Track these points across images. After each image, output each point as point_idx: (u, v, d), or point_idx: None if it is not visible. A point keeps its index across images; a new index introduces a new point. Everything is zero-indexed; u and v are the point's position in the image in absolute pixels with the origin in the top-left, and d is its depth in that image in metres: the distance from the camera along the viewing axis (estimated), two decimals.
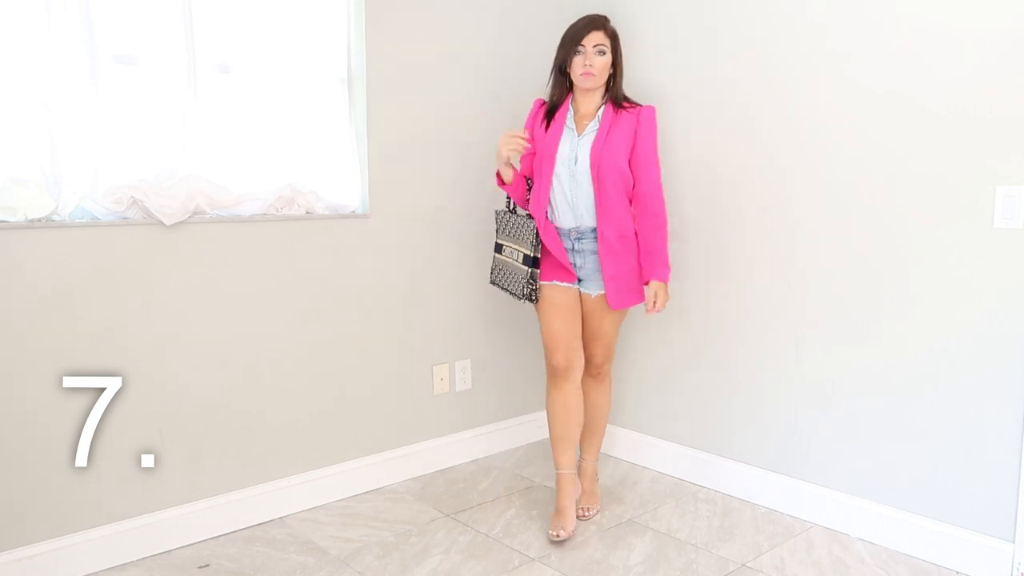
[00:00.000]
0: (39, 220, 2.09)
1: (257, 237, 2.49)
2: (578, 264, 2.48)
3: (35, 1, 2.04)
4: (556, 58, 2.48)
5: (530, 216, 2.47)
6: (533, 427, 3.31)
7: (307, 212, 2.59)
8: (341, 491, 2.74)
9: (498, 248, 2.59)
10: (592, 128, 2.43)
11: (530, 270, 2.46)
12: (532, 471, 3.00)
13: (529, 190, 2.52)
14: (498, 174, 2.47)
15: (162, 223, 2.26)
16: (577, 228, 2.45)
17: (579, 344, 2.51)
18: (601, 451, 3.16)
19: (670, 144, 2.84)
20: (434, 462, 3.00)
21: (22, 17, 2.03)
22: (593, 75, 2.40)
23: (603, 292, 2.46)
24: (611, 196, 2.39)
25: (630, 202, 2.44)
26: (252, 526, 2.53)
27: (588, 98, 2.47)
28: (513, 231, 2.53)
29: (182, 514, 2.39)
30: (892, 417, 2.36)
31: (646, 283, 2.46)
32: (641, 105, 2.46)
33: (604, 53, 2.41)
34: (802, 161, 2.51)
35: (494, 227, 2.60)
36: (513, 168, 2.46)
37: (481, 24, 2.99)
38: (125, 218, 2.23)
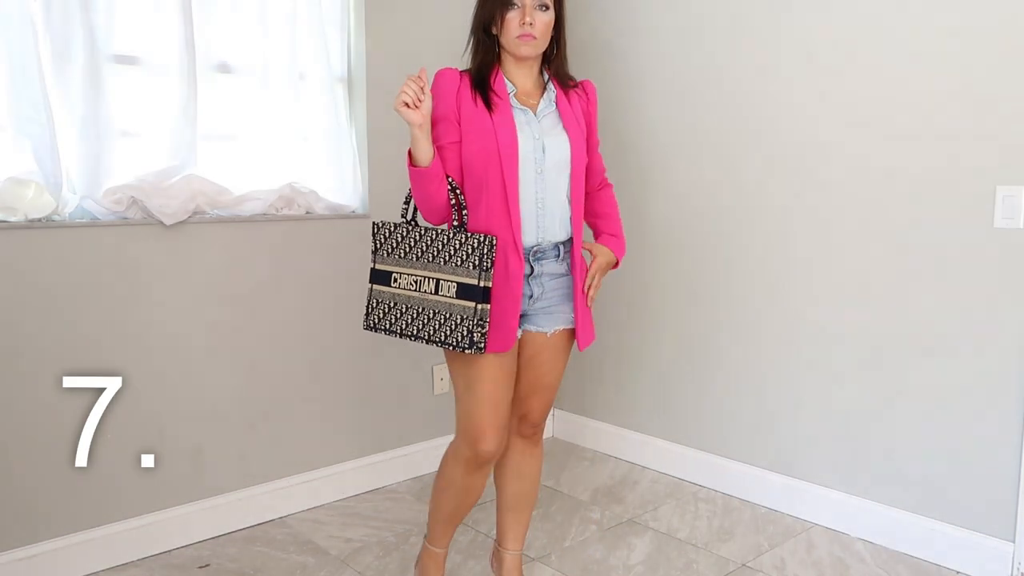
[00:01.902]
0: (39, 220, 2.09)
1: (257, 237, 2.49)
2: (534, 295, 1.82)
3: (35, 1, 2.04)
4: (477, 14, 1.82)
5: (461, 229, 1.75)
6: None
7: (307, 212, 2.59)
8: (341, 491, 2.74)
9: (381, 278, 1.83)
10: (548, 109, 1.83)
11: (479, 306, 1.68)
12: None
13: (454, 193, 1.76)
14: (409, 153, 1.71)
15: (162, 223, 2.26)
16: (538, 245, 1.80)
17: (508, 419, 1.88)
18: (601, 451, 3.18)
19: (672, 142, 2.84)
20: (434, 462, 2.95)
21: (22, 17, 2.02)
22: (534, 37, 1.74)
23: (566, 328, 1.87)
24: (583, 199, 1.89)
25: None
26: (252, 526, 2.53)
27: (525, 70, 1.82)
28: (422, 252, 1.76)
29: (182, 514, 2.39)
30: (892, 417, 2.36)
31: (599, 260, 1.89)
32: (576, 78, 1.92)
33: (547, 8, 1.76)
34: (802, 162, 2.51)
35: (372, 247, 1.87)
36: (434, 146, 1.72)
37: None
38: (125, 218, 2.23)
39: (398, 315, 1.80)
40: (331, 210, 2.65)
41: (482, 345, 1.70)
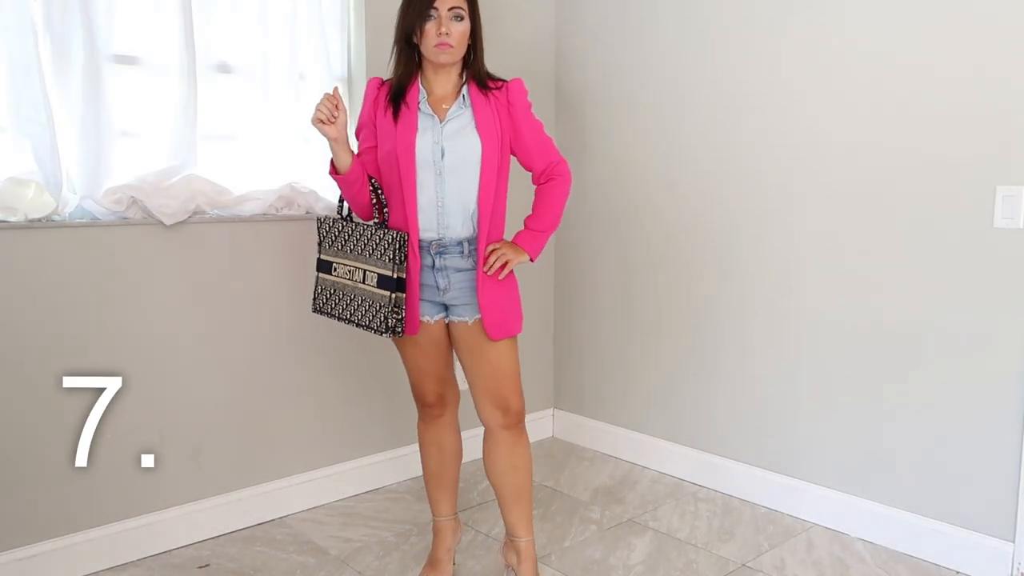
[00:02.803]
0: (39, 220, 2.09)
1: (257, 237, 2.49)
2: (441, 286, 1.98)
3: (35, 1, 2.04)
4: (399, 26, 1.96)
5: (381, 225, 1.97)
6: (533, 427, 3.30)
7: (307, 212, 2.59)
8: (341, 491, 2.74)
9: (324, 267, 2.05)
10: (458, 113, 1.95)
11: (393, 295, 1.90)
12: (532, 471, 3.00)
13: (375, 194, 1.98)
14: (332, 161, 1.94)
15: (162, 223, 2.26)
16: (439, 240, 1.96)
17: (451, 375, 2.14)
18: (601, 451, 3.18)
19: (670, 142, 2.84)
20: None
21: (22, 17, 2.02)
22: (451, 46, 1.90)
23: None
24: (495, 198, 1.97)
25: (503, 208, 2.04)
26: (252, 526, 2.53)
27: (443, 76, 1.97)
28: (352, 245, 1.98)
29: (182, 514, 2.39)
30: (892, 417, 2.36)
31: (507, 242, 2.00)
32: (506, 80, 2.01)
33: (462, 18, 1.91)
34: (802, 162, 2.51)
35: (317, 239, 2.07)
36: (352, 152, 1.93)
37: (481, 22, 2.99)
38: (125, 218, 2.23)
39: (336, 301, 2.04)
40: (331, 210, 2.64)
41: (399, 329, 1.94)
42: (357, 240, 1.97)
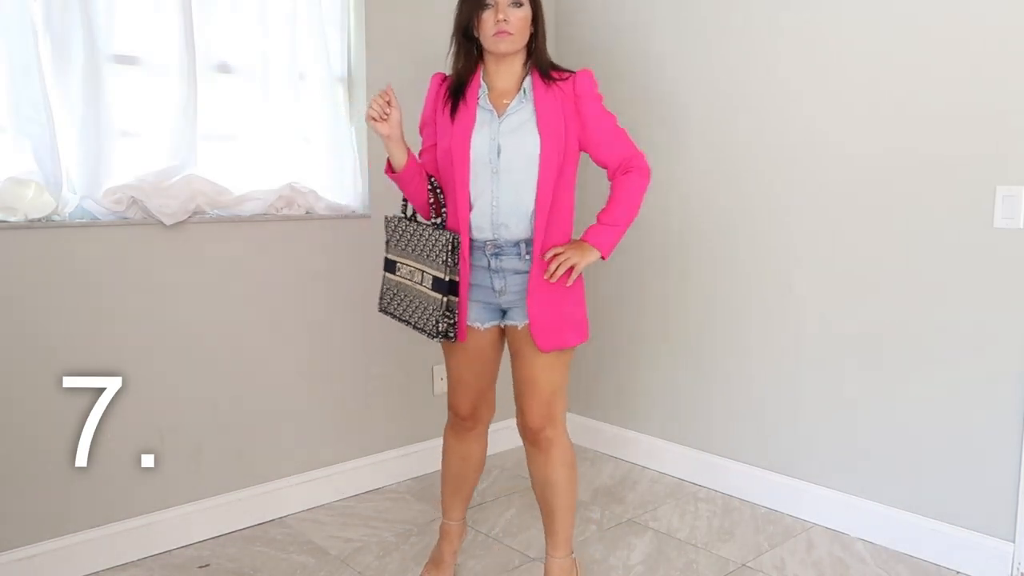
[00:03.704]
0: (39, 220, 2.09)
1: (257, 237, 2.49)
2: (497, 288, 1.90)
3: (35, 1, 2.04)
4: (457, 18, 1.88)
5: (438, 226, 1.91)
6: None
7: (307, 212, 2.59)
8: (341, 491, 2.74)
9: (389, 266, 1.99)
10: (518, 107, 1.85)
11: (445, 298, 1.85)
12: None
13: (433, 193, 1.92)
14: (388, 159, 1.91)
15: (162, 223, 2.26)
16: (495, 241, 1.87)
17: (491, 391, 2.06)
18: (601, 451, 3.18)
19: (670, 143, 2.84)
20: (434, 462, 2.97)
21: (22, 17, 2.02)
22: (510, 34, 1.80)
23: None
24: (556, 197, 1.86)
25: (569, 208, 1.92)
26: (252, 526, 2.53)
27: (505, 68, 1.87)
28: (413, 245, 1.93)
29: (182, 514, 2.39)
30: (892, 417, 2.36)
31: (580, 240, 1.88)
32: (573, 71, 1.90)
33: (521, 4, 1.82)
34: (800, 162, 2.51)
35: (384, 237, 2.02)
36: (407, 150, 1.89)
37: None
38: (125, 218, 2.23)
39: (398, 301, 1.98)
40: (331, 210, 2.65)
41: (451, 334, 1.89)
42: (417, 240, 1.92)
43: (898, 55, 2.27)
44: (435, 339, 1.89)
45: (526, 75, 1.88)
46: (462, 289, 1.89)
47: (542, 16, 1.89)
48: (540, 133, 1.82)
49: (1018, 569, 2.15)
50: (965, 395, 2.21)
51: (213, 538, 2.44)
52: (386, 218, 2.00)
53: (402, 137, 1.88)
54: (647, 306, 3.00)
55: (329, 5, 2.63)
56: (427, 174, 1.91)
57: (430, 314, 1.88)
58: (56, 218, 2.13)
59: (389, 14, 2.72)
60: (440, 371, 2.99)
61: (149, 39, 2.25)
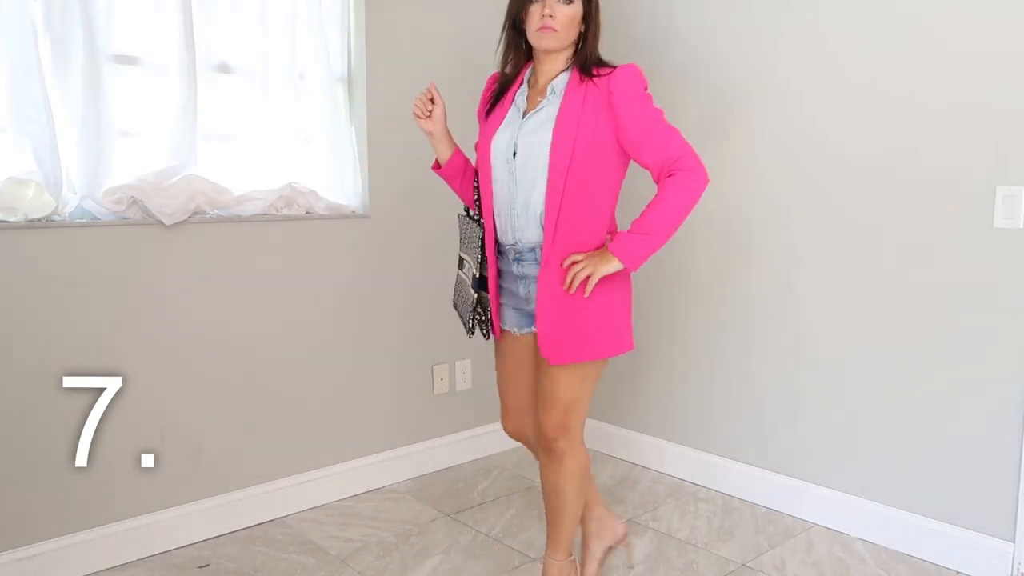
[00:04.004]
0: (39, 220, 2.09)
1: (257, 237, 2.49)
2: (523, 294, 1.85)
3: (35, 1, 2.04)
4: (508, 9, 1.83)
5: (480, 221, 1.89)
6: None
7: (307, 212, 2.59)
8: (341, 491, 2.74)
9: (459, 262, 2.00)
10: (544, 106, 1.78)
11: (476, 294, 1.87)
12: (532, 471, 3.00)
13: (476, 190, 1.92)
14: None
15: (162, 223, 2.26)
16: (514, 245, 1.83)
17: (523, 403, 2.00)
18: (601, 451, 3.18)
19: None
20: (434, 462, 3.00)
21: (22, 17, 2.02)
22: (554, 30, 1.74)
23: None
24: (571, 204, 1.74)
25: (595, 215, 1.78)
26: (252, 526, 2.53)
27: (549, 65, 1.81)
28: (466, 241, 1.94)
29: (182, 514, 2.39)
30: (892, 417, 2.36)
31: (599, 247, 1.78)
32: (615, 66, 1.78)
33: (571, 1, 1.75)
34: (801, 162, 2.51)
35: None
36: (452, 147, 1.92)
37: (482, 23, 2.99)
38: (125, 218, 2.23)
39: (457, 296, 2.02)
40: (331, 210, 2.65)
41: (483, 332, 1.92)
42: (467, 235, 1.93)
43: (898, 55, 2.27)
44: (470, 336, 1.94)
45: (565, 71, 1.80)
46: (491, 287, 1.88)
47: (595, 14, 1.81)
48: (553, 132, 1.73)
49: (1018, 569, 2.15)
50: (965, 395, 2.21)
51: (213, 538, 2.44)
52: (458, 215, 2.00)
53: (446, 133, 1.92)
54: (647, 306, 3.00)
55: (329, 5, 2.63)
56: (475, 171, 1.92)
57: (467, 310, 1.92)
58: (56, 218, 2.13)
59: (389, 14, 2.72)
60: (440, 371, 2.99)
61: (149, 39, 2.25)
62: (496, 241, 1.87)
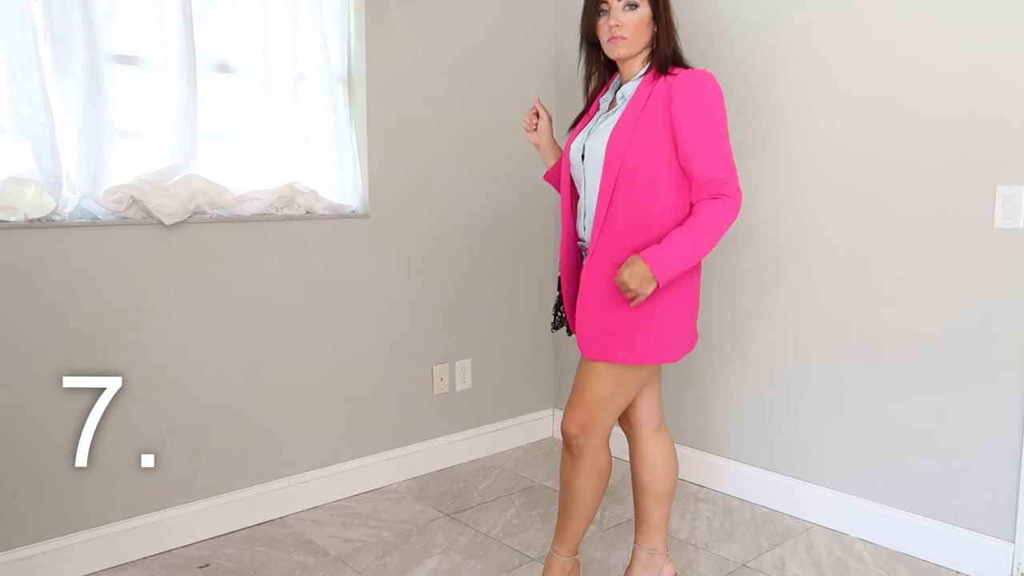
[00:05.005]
0: (39, 220, 2.09)
1: (257, 237, 2.49)
2: None
3: (35, 1, 2.04)
4: (580, 28, 1.91)
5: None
6: (533, 427, 3.31)
7: (307, 212, 2.59)
8: (341, 491, 2.74)
9: None
10: (616, 109, 1.83)
11: (558, 292, 2.01)
12: (532, 471, 3.00)
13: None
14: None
15: (162, 223, 2.26)
16: (584, 245, 1.93)
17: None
18: None
19: None
20: (434, 462, 3.00)
21: (22, 17, 2.02)
22: (624, 38, 1.79)
23: None
24: (622, 201, 1.77)
25: (656, 215, 1.77)
26: (252, 526, 2.53)
27: (627, 70, 1.86)
28: None
29: (182, 514, 2.39)
30: (892, 417, 2.36)
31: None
32: (688, 68, 1.80)
33: (636, 6, 1.78)
34: (803, 162, 2.51)
35: None
36: (561, 154, 2.01)
37: (482, 23, 2.99)
38: (125, 218, 2.23)
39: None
40: (331, 210, 2.65)
41: (566, 329, 2.04)
42: None
43: (898, 55, 2.27)
44: (553, 331, 2.10)
45: (642, 72, 1.83)
46: (564, 286, 1.98)
47: (665, 13, 1.82)
48: (613, 130, 1.77)
49: (1018, 569, 2.16)
50: (965, 395, 2.21)
51: (213, 538, 2.44)
52: None
53: (552, 144, 2.07)
54: None
55: (329, 5, 2.63)
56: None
57: (554, 307, 2.08)
58: (56, 218, 2.13)
59: (389, 14, 2.72)
60: (440, 371, 2.99)
61: (149, 39, 2.25)
62: (580, 241, 1.94)
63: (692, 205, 1.77)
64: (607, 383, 1.84)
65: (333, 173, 2.66)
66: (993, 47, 2.10)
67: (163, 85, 2.27)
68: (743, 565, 2.31)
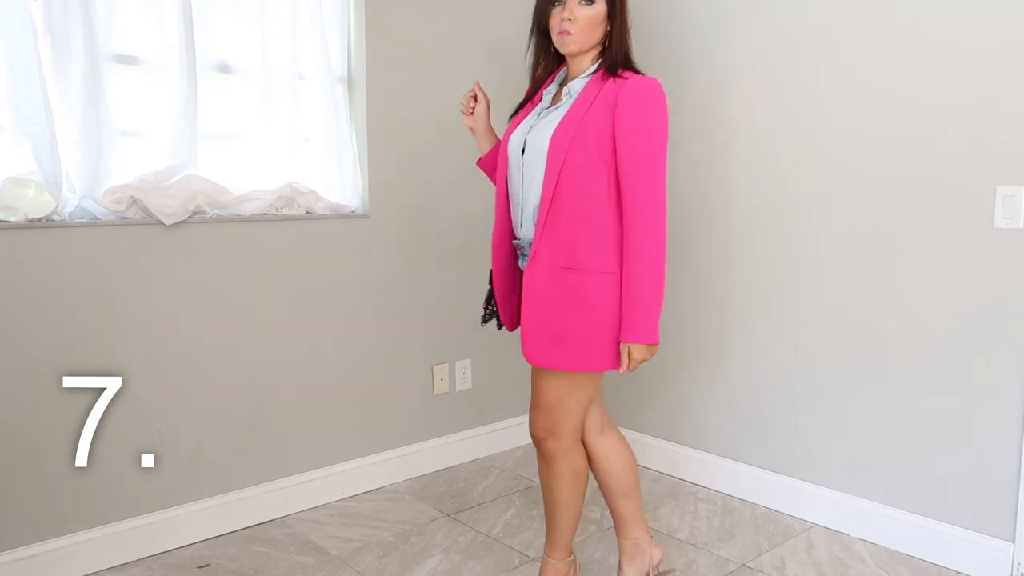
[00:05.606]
0: (39, 220, 2.09)
1: (257, 237, 2.49)
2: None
3: (35, 1, 2.04)
4: (533, 13, 1.84)
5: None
6: None
7: (307, 212, 2.59)
8: (341, 491, 2.74)
9: None
10: (561, 105, 1.79)
11: (489, 286, 1.98)
12: (532, 471, 3.00)
13: None
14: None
15: (162, 223, 2.26)
16: (519, 241, 1.89)
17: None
18: None
19: (672, 142, 2.84)
20: (434, 462, 3.00)
21: (22, 17, 2.02)
22: (571, 33, 1.73)
23: None
24: (564, 202, 1.71)
25: (596, 217, 1.73)
26: (252, 526, 2.53)
27: (576, 66, 1.81)
28: None
29: (182, 514, 2.39)
30: (892, 417, 2.36)
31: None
32: (639, 74, 1.76)
33: (592, 2, 1.73)
34: (803, 162, 2.51)
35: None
36: (496, 141, 1.97)
37: (482, 23, 2.99)
38: (125, 218, 2.23)
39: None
40: (331, 210, 2.65)
41: (496, 322, 2.00)
42: None
43: (898, 55, 2.27)
44: (482, 324, 2.06)
45: (590, 70, 1.79)
46: (496, 280, 1.95)
47: (620, 12, 1.77)
48: (556, 126, 1.73)
49: (1018, 569, 2.16)
50: (965, 395, 2.21)
51: (213, 538, 2.44)
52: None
53: (488, 129, 2.02)
54: None
55: (329, 5, 2.63)
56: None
57: (484, 302, 2.05)
58: (56, 218, 2.13)
59: (389, 14, 2.72)
60: (440, 371, 2.99)
61: (149, 39, 2.25)
62: (514, 237, 1.90)
63: (624, 228, 1.73)
64: (562, 387, 1.82)
65: (333, 173, 2.66)
66: (993, 47, 2.10)
67: (163, 85, 2.27)
68: (743, 565, 2.31)
